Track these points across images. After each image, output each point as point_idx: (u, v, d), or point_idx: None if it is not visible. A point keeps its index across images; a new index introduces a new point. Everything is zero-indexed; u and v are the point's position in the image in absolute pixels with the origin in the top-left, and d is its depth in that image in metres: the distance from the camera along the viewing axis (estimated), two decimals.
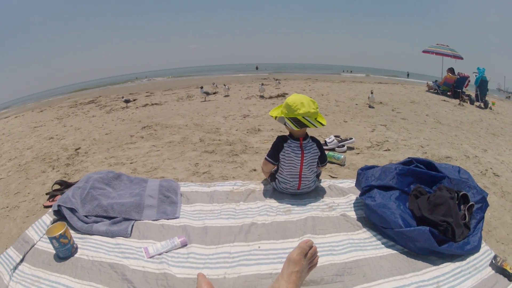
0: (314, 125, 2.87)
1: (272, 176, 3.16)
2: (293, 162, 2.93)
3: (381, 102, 9.45)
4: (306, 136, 3.00)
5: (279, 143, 2.97)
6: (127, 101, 9.80)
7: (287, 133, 3.03)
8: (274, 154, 3.00)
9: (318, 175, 3.18)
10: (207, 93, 10.37)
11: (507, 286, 1.98)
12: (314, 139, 3.04)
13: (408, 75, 50.86)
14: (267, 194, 3.09)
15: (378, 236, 2.43)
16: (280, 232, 2.44)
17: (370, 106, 8.81)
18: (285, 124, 2.91)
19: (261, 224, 2.55)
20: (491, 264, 2.13)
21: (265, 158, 3.06)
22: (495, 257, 2.17)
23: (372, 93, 8.84)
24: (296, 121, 2.82)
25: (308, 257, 1.69)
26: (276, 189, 3.15)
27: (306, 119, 2.82)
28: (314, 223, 2.54)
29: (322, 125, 2.94)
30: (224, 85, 11.79)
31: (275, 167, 3.13)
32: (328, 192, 3.13)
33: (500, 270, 2.07)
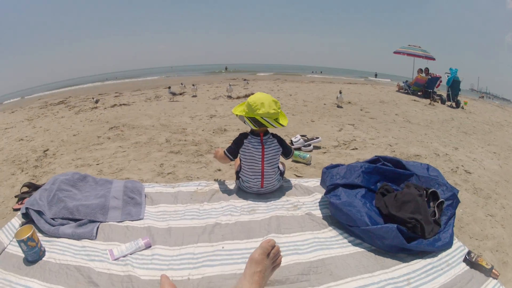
0: (273, 125, 2.93)
1: (237, 175, 3.17)
2: (254, 158, 2.96)
3: (349, 102, 9.52)
4: (266, 132, 3.03)
5: (240, 139, 3.01)
6: (97, 101, 9.69)
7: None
8: (234, 149, 3.03)
9: (282, 174, 3.19)
10: (174, 94, 10.36)
11: (485, 281, 2.01)
12: (274, 135, 3.07)
13: (376, 75, 51.36)
14: (231, 193, 3.08)
15: (344, 234, 2.43)
16: (244, 232, 2.42)
17: (338, 106, 8.86)
18: (244, 123, 3.00)
19: (225, 224, 2.52)
20: (465, 260, 2.16)
21: (224, 152, 3.07)
22: (469, 253, 2.20)
23: (340, 92, 8.90)
24: (254, 120, 2.89)
25: (270, 256, 1.67)
26: (240, 188, 3.16)
27: (264, 120, 2.88)
28: (279, 223, 2.54)
29: (282, 125, 2.98)
30: (193, 85, 11.68)
31: (239, 163, 3.14)
32: (293, 191, 3.13)
33: (475, 265, 2.10)
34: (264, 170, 2.97)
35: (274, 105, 2.88)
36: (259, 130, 2.98)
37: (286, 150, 3.14)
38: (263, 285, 1.62)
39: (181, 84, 12.63)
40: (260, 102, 2.83)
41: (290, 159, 3.60)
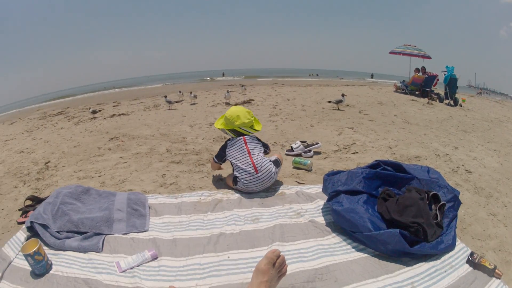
0: (249, 132, 3.51)
1: (234, 180, 3.28)
2: (238, 148, 3.35)
3: (348, 105, 9.47)
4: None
5: (224, 143, 3.50)
6: (94, 112, 9.65)
7: None
8: (220, 153, 3.50)
9: (275, 162, 3.38)
10: (170, 102, 10.36)
11: (488, 281, 2.01)
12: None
13: (372, 76, 51.34)
14: (234, 202, 3.09)
15: (348, 240, 2.44)
16: (249, 241, 2.44)
17: (339, 109, 8.84)
18: (226, 133, 3.57)
19: (230, 234, 2.54)
20: (468, 261, 2.16)
21: (212, 158, 3.59)
22: (471, 253, 2.20)
23: (343, 96, 8.91)
24: (233, 131, 3.48)
25: (276, 266, 1.68)
26: (242, 192, 3.28)
27: (242, 129, 3.46)
28: (283, 231, 2.55)
29: (257, 130, 3.59)
30: (190, 93, 11.70)
31: (232, 174, 3.37)
32: (296, 199, 3.14)
33: (478, 266, 2.10)
34: (251, 153, 3.30)
35: (248, 115, 3.47)
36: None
37: (263, 143, 3.57)
38: None
39: (179, 92, 12.63)
40: (236, 115, 3.41)
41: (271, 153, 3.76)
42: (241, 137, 3.38)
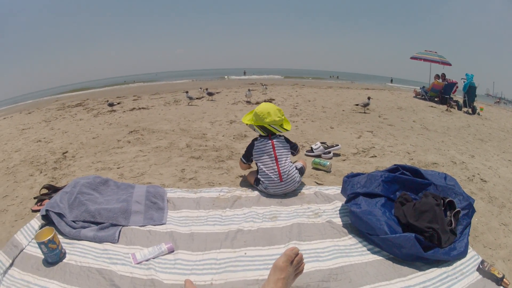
0: (279, 131, 3.37)
1: (257, 181, 3.28)
2: (266, 153, 3.26)
3: (368, 109, 9.43)
4: (273, 133, 3.39)
5: (251, 143, 3.40)
6: (111, 105, 9.74)
7: None
8: (247, 154, 3.42)
9: (300, 170, 3.34)
10: (191, 98, 10.51)
11: None
12: (280, 135, 3.42)
13: (391, 81, 51.07)
14: (253, 200, 3.10)
15: (363, 242, 2.45)
16: (266, 239, 2.45)
17: (365, 112, 8.89)
18: (254, 130, 3.42)
19: (247, 230, 2.55)
20: (479, 269, 2.16)
21: (240, 159, 3.50)
22: (482, 262, 2.21)
23: (369, 99, 9.00)
24: (263, 128, 3.33)
25: (294, 264, 1.69)
26: (262, 192, 3.26)
27: (272, 127, 3.32)
28: (300, 230, 2.55)
29: (286, 130, 3.43)
30: (206, 89, 12.02)
31: (256, 172, 3.35)
32: (314, 199, 3.15)
33: (488, 274, 2.10)
34: (278, 160, 3.18)
35: (278, 113, 3.32)
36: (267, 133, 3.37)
37: (292, 145, 3.47)
38: None
39: (200, 88, 12.68)
40: (267, 112, 3.26)
41: (298, 155, 3.79)
42: (270, 141, 3.29)
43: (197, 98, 11.30)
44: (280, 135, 3.37)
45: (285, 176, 3.14)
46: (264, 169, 3.19)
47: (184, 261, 2.20)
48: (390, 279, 2.06)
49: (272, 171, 3.16)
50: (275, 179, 3.14)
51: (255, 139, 3.39)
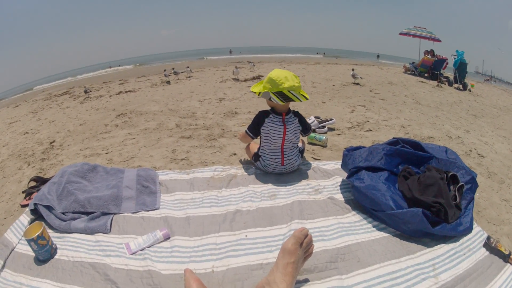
0: (298, 98, 2.87)
1: (256, 156, 3.13)
2: (275, 137, 2.93)
3: (358, 83, 9.47)
4: (288, 111, 2.99)
5: (261, 117, 2.98)
6: (87, 91, 9.90)
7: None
8: (254, 127, 3.02)
9: (301, 152, 3.17)
10: (166, 75, 11.31)
11: (503, 267, 1.99)
12: (296, 114, 3.04)
13: (378, 56, 51.31)
14: (250, 178, 3.02)
15: (368, 219, 2.40)
16: (267, 219, 2.37)
17: (355, 83, 9.12)
18: (269, 99, 2.87)
19: (246, 211, 2.47)
20: (485, 245, 2.14)
21: (245, 131, 3.09)
22: (488, 238, 2.19)
23: (353, 70, 9.31)
24: (281, 95, 2.81)
25: (303, 246, 1.62)
26: (260, 169, 3.14)
27: (291, 93, 2.81)
28: (301, 208, 2.48)
29: (306, 98, 2.94)
30: (172, 68, 12.46)
31: (257, 146, 3.17)
32: (313, 175, 3.08)
33: (494, 251, 2.09)
34: (284, 148, 2.96)
35: (295, 79, 2.85)
36: (283, 108, 2.93)
37: (306, 128, 3.12)
38: (295, 276, 1.57)
39: (187, 67, 12.71)
40: (284, 76, 2.79)
41: (305, 138, 3.65)
42: (283, 125, 2.91)
43: (182, 72, 12.15)
44: (295, 117, 3.02)
45: (287, 161, 3.01)
46: (267, 150, 3.02)
47: (182, 248, 2.10)
48: (399, 257, 2.02)
49: (276, 156, 3.00)
50: (278, 162, 3.00)
51: (265, 113, 2.99)
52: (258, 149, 3.13)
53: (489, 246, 2.11)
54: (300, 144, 3.23)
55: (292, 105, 3.00)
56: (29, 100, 12.08)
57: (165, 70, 11.86)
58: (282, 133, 2.90)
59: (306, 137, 3.45)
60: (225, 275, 1.86)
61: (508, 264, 2.01)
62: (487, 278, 1.90)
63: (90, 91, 10.04)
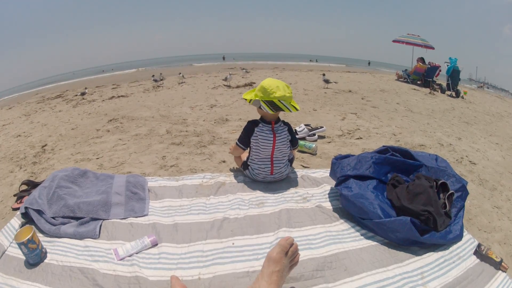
0: (288, 109, 2.85)
1: (245, 165, 3.13)
2: (264, 146, 2.92)
3: (350, 91, 9.49)
4: (278, 120, 2.99)
5: (250, 128, 2.95)
6: (83, 94, 9.97)
7: (257, 118, 3.02)
8: (245, 139, 2.99)
9: (290, 161, 3.17)
10: (156, 80, 11.53)
11: (494, 274, 2.01)
12: (285, 123, 3.03)
13: (369, 63, 51.54)
14: (238, 186, 3.01)
15: (356, 227, 2.40)
16: (254, 227, 2.37)
17: (328, 88, 9.35)
18: (259, 108, 2.88)
19: (234, 218, 2.46)
20: (476, 253, 2.15)
21: (236, 143, 3.06)
22: (479, 245, 2.19)
23: (324, 75, 9.49)
24: (271, 104, 2.80)
25: (289, 255, 1.61)
26: (249, 178, 3.13)
27: (281, 103, 2.80)
28: (289, 216, 2.48)
29: (296, 109, 2.92)
30: (152, 75, 12.72)
31: (247, 154, 3.13)
32: (301, 183, 3.08)
33: (485, 258, 2.09)
34: (274, 157, 2.95)
35: (287, 89, 2.85)
36: (272, 116, 2.92)
37: (293, 140, 3.10)
38: (281, 285, 1.56)
39: (179, 74, 12.74)
40: (275, 86, 2.79)
41: (295, 150, 3.54)
42: (272, 134, 2.90)
43: (162, 80, 12.16)
44: (284, 126, 3.02)
45: (276, 170, 3.00)
46: (256, 159, 3.01)
47: (169, 254, 2.10)
48: (386, 265, 2.02)
49: (265, 166, 3.00)
50: (267, 171, 2.99)
51: (254, 123, 2.98)
52: (247, 158, 3.11)
53: (480, 253, 2.12)
54: (289, 153, 3.19)
55: (284, 115, 2.99)
56: (23, 103, 12.05)
57: (153, 75, 12.18)
58: (271, 142, 2.89)
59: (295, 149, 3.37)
60: (211, 282, 1.86)
61: (500, 271, 2.02)
62: (477, 286, 1.91)
63: (86, 94, 10.14)
